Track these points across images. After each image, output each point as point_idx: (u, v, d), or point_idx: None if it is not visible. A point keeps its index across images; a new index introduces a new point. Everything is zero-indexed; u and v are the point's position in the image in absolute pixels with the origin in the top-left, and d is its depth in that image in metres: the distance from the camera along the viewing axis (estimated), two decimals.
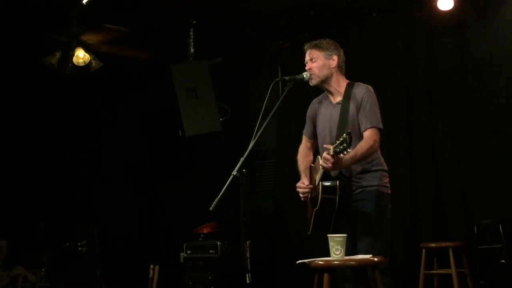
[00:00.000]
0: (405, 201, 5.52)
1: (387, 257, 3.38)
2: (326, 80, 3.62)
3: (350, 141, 3.04)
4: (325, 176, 3.40)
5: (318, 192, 3.40)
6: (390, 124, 5.64)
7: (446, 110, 5.52)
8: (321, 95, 3.79)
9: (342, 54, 3.68)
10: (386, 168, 3.61)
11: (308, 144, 3.85)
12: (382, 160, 3.60)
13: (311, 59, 3.63)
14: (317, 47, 3.63)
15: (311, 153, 3.84)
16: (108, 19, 5.81)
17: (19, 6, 5.42)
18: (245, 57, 6.94)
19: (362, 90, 3.56)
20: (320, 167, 3.34)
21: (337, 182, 3.39)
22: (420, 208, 5.52)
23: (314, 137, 3.79)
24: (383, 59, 5.90)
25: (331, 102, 3.67)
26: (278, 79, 3.70)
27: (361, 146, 3.38)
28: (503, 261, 4.81)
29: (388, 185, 3.58)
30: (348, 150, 3.08)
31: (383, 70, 5.87)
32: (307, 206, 3.67)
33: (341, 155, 3.14)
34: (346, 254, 3.04)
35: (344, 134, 3.08)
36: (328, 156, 3.20)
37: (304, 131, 3.87)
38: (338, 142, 3.12)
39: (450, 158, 5.43)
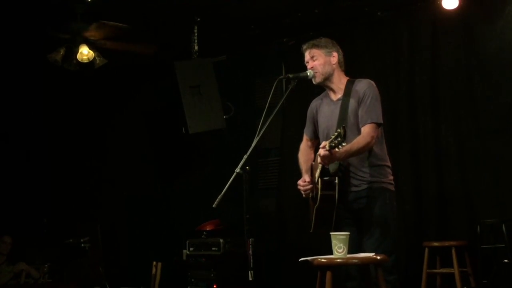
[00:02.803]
0: (408, 200, 5.52)
1: (394, 254, 3.39)
2: (328, 77, 3.63)
3: (345, 135, 3.06)
4: (324, 172, 3.41)
5: (318, 189, 3.41)
6: (394, 122, 5.64)
7: (450, 109, 5.51)
8: (321, 94, 3.80)
9: (340, 51, 3.69)
10: (390, 164, 3.61)
11: (309, 143, 3.86)
12: (387, 156, 3.61)
13: (311, 58, 3.64)
14: (316, 46, 3.65)
15: (312, 152, 3.85)
16: (112, 16, 5.81)
17: (23, 2, 5.43)
18: (249, 55, 6.93)
19: (364, 85, 3.56)
20: (318, 162, 3.35)
21: (336, 178, 3.40)
22: (423, 207, 5.52)
23: (315, 136, 3.80)
24: (388, 58, 5.89)
25: (331, 100, 3.67)
26: (282, 76, 3.70)
27: (358, 141, 3.39)
28: (506, 260, 4.81)
29: (393, 182, 3.59)
30: (343, 144, 3.08)
31: (388, 69, 5.86)
32: (309, 204, 3.68)
33: (336, 149, 3.14)
34: (352, 252, 3.04)
35: (338, 129, 3.09)
36: (325, 152, 3.20)
37: (305, 130, 3.88)
38: (333, 136, 3.13)
39: (453, 157, 5.43)
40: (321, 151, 3.23)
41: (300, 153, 3.86)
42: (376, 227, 3.44)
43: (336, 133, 3.10)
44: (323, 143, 3.26)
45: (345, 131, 3.05)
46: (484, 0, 5.40)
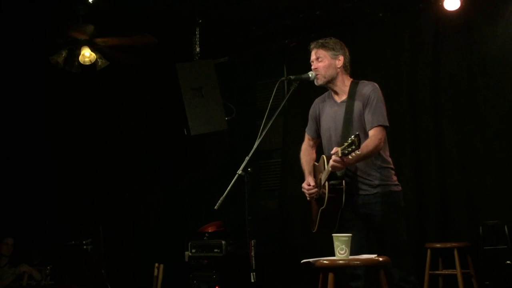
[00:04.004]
0: (410, 201, 5.49)
1: (410, 254, 3.43)
2: (331, 80, 3.63)
3: (359, 143, 3.06)
4: (331, 175, 3.41)
5: (325, 192, 3.41)
6: (396, 124, 5.63)
7: (452, 110, 5.50)
8: (325, 94, 3.80)
9: (347, 54, 3.69)
10: (393, 166, 3.62)
11: (311, 143, 3.87)
12: (390, 159, 3.61)
13: (317, 58, 3.63)
14: (324, 46, 3.63)
15: (314, 152, 3.86)
16: (114, 18, 5.81)
17: (26, 5, 5.44)
18: (251, 56, 6.93)
19: (369, 88, 3.56)
20: (329, 167, 3.34)
21: (343, 181, 3.41)
22: (425, 208, 5.51)
23: (317, 136, 3.80)
24: (389, 59, 5.89)
25: (335, 101, 3.67)
26: (283, 78, 3.71)
27: (367, 145, 3.39)
28: (508, 262, 4.80)
29: (397, 182, 3.60)
30: (357, 152, 3.09)
31: (389, 70, 5.86)
32: (312, 204, 3.68)
33: (350, 156, 3.15)
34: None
35: (353, 137, 3.09)
36: (338, 158, 3.21)
37: (307, 130, 3.88)
38: (346, 144, 3.13)
39: (455, 158, 5.42)
40: (334, 157, 3.23)
41: (302, 153, 3.87)
42: (390, 232, 3.46)
43: (350, 141, 3.10)
44: (334, 149, 3.26)
45: (359, 140, 3.05)
46: (486, 1, 5.39)
